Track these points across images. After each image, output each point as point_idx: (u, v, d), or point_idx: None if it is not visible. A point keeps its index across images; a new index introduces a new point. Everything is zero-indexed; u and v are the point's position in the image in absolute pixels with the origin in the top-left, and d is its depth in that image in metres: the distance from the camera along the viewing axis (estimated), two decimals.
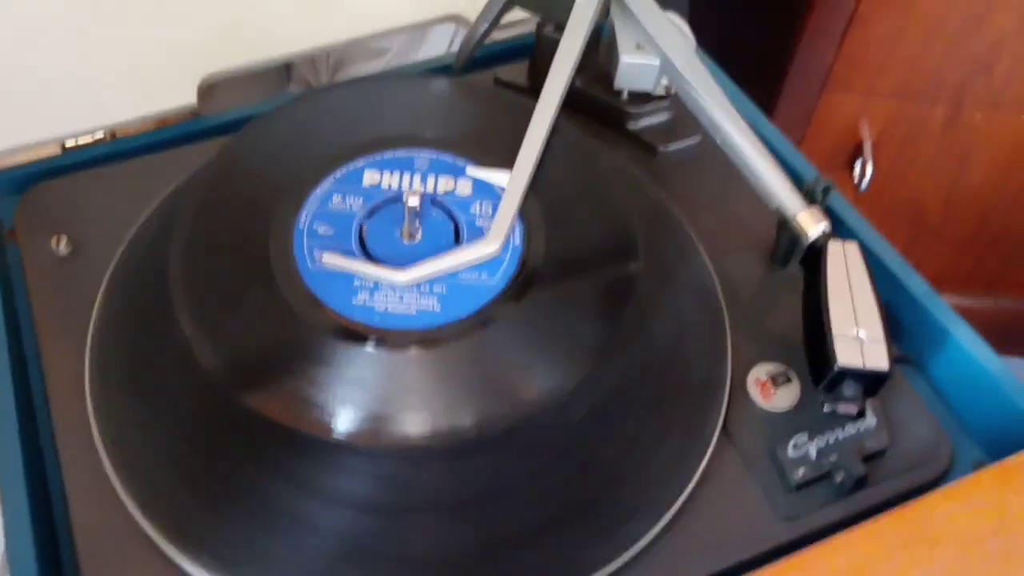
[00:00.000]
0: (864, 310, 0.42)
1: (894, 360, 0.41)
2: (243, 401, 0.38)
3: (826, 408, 0.43)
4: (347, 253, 0.42)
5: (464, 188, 0.45)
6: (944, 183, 0.93)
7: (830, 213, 0.51)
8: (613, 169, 0.47)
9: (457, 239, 0.43)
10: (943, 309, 0.48)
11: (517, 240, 0.43)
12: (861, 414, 0.43)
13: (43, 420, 0.44)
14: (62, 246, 0.49)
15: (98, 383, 0.44)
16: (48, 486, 0.43)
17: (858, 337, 0.42)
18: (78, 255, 0.49)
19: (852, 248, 0.44)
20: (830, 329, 0.42)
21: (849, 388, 0.42)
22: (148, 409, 0.43)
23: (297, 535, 0.39)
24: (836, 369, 0.41)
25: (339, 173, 0.45)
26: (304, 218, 0.43)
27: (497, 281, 0.41)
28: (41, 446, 0.44)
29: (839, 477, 0.42)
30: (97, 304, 0.46)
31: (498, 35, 0.62)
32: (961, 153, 0.90)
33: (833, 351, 0.41)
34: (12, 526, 0.39)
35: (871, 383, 0.42)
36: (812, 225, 0.45)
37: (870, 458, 0.43)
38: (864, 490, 0.42)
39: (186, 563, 0.39)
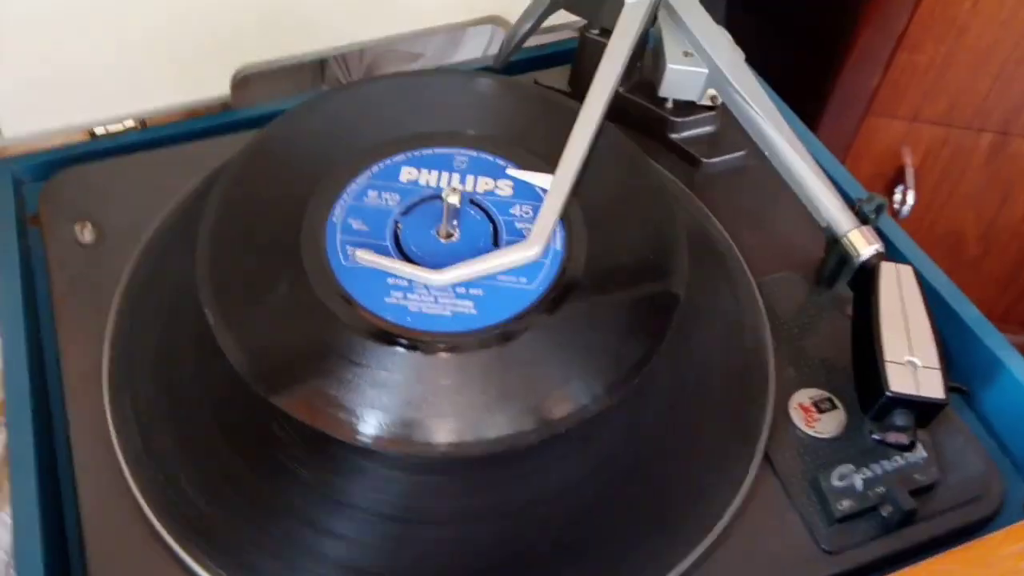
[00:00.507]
0: (918, 336, 0.40)
1: (949, 389, 0.39)
2: (268, 399, 0.36)
3: (875, 437, 0.41)
4: (381, 250, 0.40)
5: (504, 189, 0.43)
6: (985, 215, 0.91)
7: (879, 234, 0.49)
8: (658, 177, 0.45)
9: (495, 241, 0.41)
10: (996, 338, 0.46)
11: (558, 245, 0.41)
12: (912, 445, 0.41)
13: (57, 409, 0.43)
14: (86, 233, 0.48)
15: (115, 375, 0.42)
16: (59, 480, 0.42)
17: (911, 363, 0.39)
18: (101, 243, 0.48)
19: (906, 271, 0.42)
20: (882, 354, 0.40)
21: (900, 417, 0.40)
22: (167, 404, 0.41)
23: (319, 542, 0.37)
24: (887, 396, 0.39)
25: (376, 168, 0.43)
26: (338, 212, 0.41)
27: (536, 286, 0.39)
28: (54, 438, 0.43)
29: (886, 511, 0.40)
30: (118, 293, 0.45)
31: (537, 40, 0.61)
32: (1004, 185, 0.88)
33: (885, 377, 0.39)
34: (20, 522, 0.38)
35: (924, 412, 0.40)
36: (864, 245, 0.43)
37: (918, 492, 0.41)
38: (911, 526, 0.40)
39: (200, 569, 0.37)
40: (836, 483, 0.40)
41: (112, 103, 0.54)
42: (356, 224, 0.41)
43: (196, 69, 0.55)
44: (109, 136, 0.54)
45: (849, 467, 0.41)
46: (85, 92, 0.53)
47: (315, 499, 0.39)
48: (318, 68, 0.75)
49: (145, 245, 0.47)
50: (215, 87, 0.56)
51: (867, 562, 0.39)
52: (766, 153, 0.47)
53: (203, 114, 0.57)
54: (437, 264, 0.39)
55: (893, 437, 0.40)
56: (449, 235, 0.41)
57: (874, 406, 0.40)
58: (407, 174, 0.43)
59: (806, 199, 0.46)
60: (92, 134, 0.55)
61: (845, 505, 0.40)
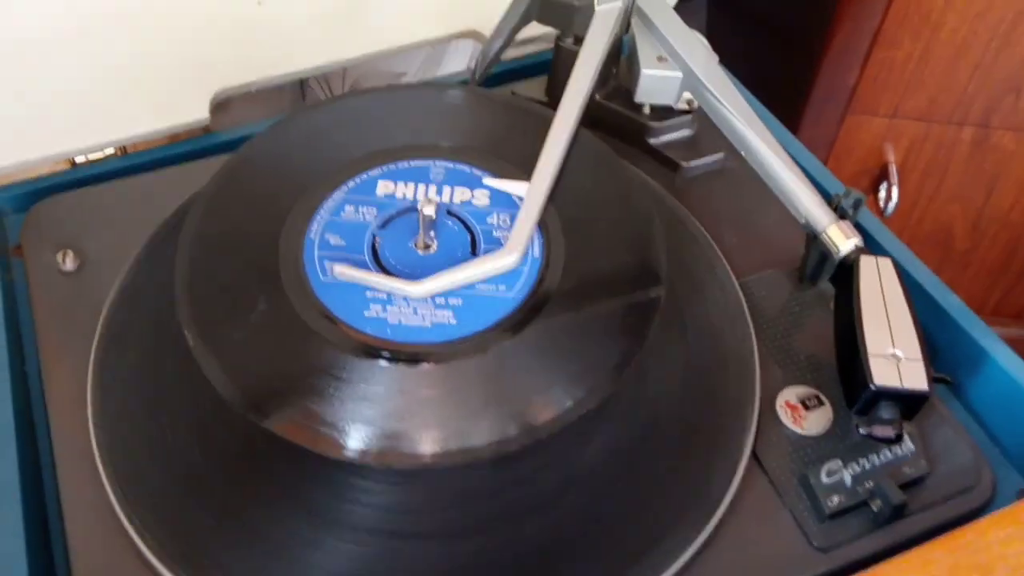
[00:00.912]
0: (900, 328, 0.40)
1: (933, 380, 0.39)
2: (250, 418, 0.36)
3: (861, 431, 0.41)
4: (360, 264, 0.40)
5: (481, 199, 0.43)
6: (972, 209, 0.91)
7: (860, 230, 0.50)
8: (636, 181, 0.45)
9: (474, 250, 0.41)
10: (981, 329, 0.46)
11: (536, 252, 0.41)
12: (899, 438, 0.40)
13: (43, 437, 0.43)
14: (68, 261, 0.48)
15: (100, 400, 0.42)
16: (46, 506, 0.42)
17: (894, 356, 0.39)
18: (83, 271, 0.48)
19: (886, 264, 0.42)
20: (864, 348, 0.40)
21: (886, 410, 0.40)
22: (151, 427, 0.41)
23: (304, 558, 0.37)
24: (871, 390, 0.39)
25: (351, 183, 0.43)
26: (315, 229, 0.41)
27: (515, 294, 0.39)
28: (40, 465, 0.43)
29: (876, 505, 0.40)
30: (101, 321, 0.45)
31: (515, 52, 0.61)
32: (989, 178, 0.88)
33: (868, 371, 0.39)
34: (6, 553, 0.38)
35: (909, 405, 0.40)
36: (843, 240, 0.43)
37: (908, 485, 0.40)
38: (902, 519, 0.40)
39: None
40: (825, 480, 0.40)
41: (92, 131, 0.54)
42: (334, 240, 0.41)
43: (174, 94, 0.55)
44: (89, 164, 0.55)
45: (837, 463, 0.41)
46: (64, 122, 0.53)
47: (305, 519, 0.38)
48: (299, 89, 0.75)
49: (127, 271, 0.47)
50: (194, 111, 0.56)
51: (859, 558, 0.39)
52: (743, 153, 0.47)
53: (184, 138, 0.57)
54: (416, 276, 0.39)
55: (879, 431, 0.40)
56: (427, 247, 0.41)
57: (859, 400, 0.40)
58: (383, 188, 0.43)
59: (784, 197, 0.46)
60: (73, 163, 0.55)
61: (835, 501, 0.40)
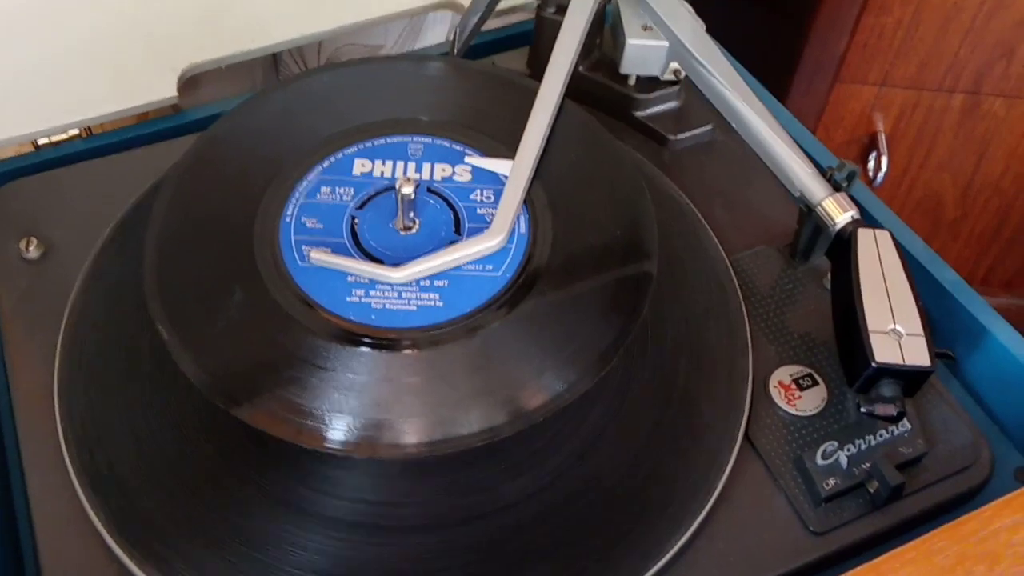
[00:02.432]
0: (901, 303, 0.39)
1: (935, 356, 0.38)
2: (227, 409, 0.35)
3: (863, 410, 0.39)
4: (339, 248, 0.38)
5: (463, 175, 0.41)
6: (962, 177, 0.90)
7: (853, 201, 0.48)
8: (623, 155, 0.44)
9: (457, 229, 0.40)
10: (978, 303, 0.45)
11: (523, 229, 0.39)
12: (902, 415, 0.39)
13: (8, 430, 0.41)
14: (31, 249, 0.46)
15: (67, 391, 0.40)
16: (13, 500, 0.40)
17: (895, 332, 0.38)
18: (48, 258, 0.46)
19: (884, 236, 0.41)
20: (865, 324, 0.38)
21: (888, 388, 0.38)
22: (122, 421, 0.40)
23: (281, 554, 0.36)
24: (873, 367, 0.38)
25: (327, 163, 0.42)
26: (291, 211, 0.40)
27: (503, 273, 0.38)
28: (6, 458, 0.41)
29: (873, 487, 0.39)
30: (67, 310, 0.43)
31: (495, 23, 0.59)
32: (979, 145, 0.87)
33: (870, 348, 0.38)
34: None
35: (911, 381, 0.39)
36: (839, 213, 0.42)
37: (905, 466, 0.39)
38: (900, 500, 0.39)
39: None
40: (821, 462, 0.39)
41: (55, 112, 0.52)
42: (310, 223, 0.39)
43: (140, 72, 0.53)
44: (53, 146, 0.52)
45: (833, 444, 0.39)
46: (25, 103, 0.51)
47: (282, 513, 0.37)
48: (271, 65, 0.73)
49: (94, 257, 0.45)
50: (161, 89, 0.53)
51: (857, 540, 0.38)
52: (733, 125, 0.46)
53: (152, 118, 0.55)
54: (399, 258, 0.38)
55: (881, 409, 0.39)
56: (408, 228, 0.39)
57: (860, 379, 0.39)
58: (360, 166, 0.42)
59: (777, 169, 0.44)
60: (35, 145, 0.52)
61: (831, 484, 0.39)
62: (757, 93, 0.50)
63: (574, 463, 0.39)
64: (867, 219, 0.49)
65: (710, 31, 0.51)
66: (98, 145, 0.52)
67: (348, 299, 0.37)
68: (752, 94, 0.45)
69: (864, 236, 0.41)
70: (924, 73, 0.81)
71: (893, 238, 0.41)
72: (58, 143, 0.52)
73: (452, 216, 0.40)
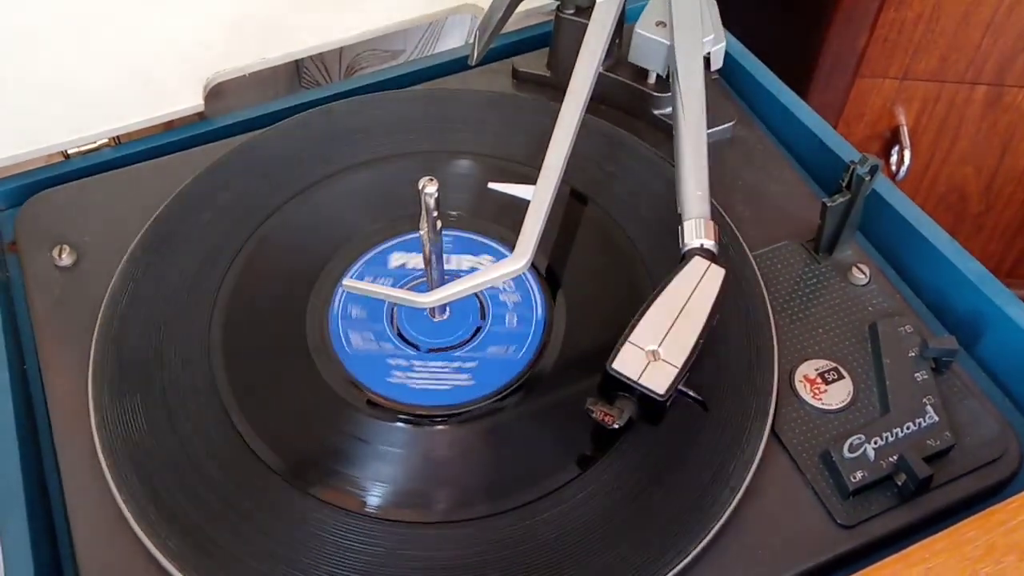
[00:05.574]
0: (679, 335, 0.38)
1: (675, 391, 0.37)
2: (274, 469, 0.39)
3: (587, 406, 0.38)
4: (380, 335, 0.44)
5: (487, 264, 0.46)
6: (986, 170, 0.89)
7: (875, 196, 0.48)
8: (631, 247, 0.47)
9: (483, 315, 0.45)
10: (1002, 293, 0.45)
11: (539, 313, 0.45)
12: (616, 427, 0.37)
13: (45, 436, 0.42)
14: (64, 256, 0.47)
15: (101, 397, 0.41)
16: (51, 505, 0.41)
17: (654, 353, 0.38)
18: (80, 265, 0.47)
19: (716, 274, 0.40)
20: (629, 333, 0.38)
21: (628, 405, 0.37)
22: (154, 425, 0.40)
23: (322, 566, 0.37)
24: (607, 371, 0.37)
25: (367, 256, 0.47)
26: (337, 303, 0.45)
27: (523, 355, 0.43)
28: (43, 464, 0.42)
29: (901, 479, 0.39)
30: (100, 315, 0.44)
31: (515, 25, 0.60)
32: (1003, 138, 0.86)
33: (615, 353, 0.38)
34: (11, 552, 0.37)
35: (648, 407, 0.38)
36: (693, 237, 0.42)
37: (932, 458, 0.39)
38: (927, 493, 0.39)
39: None
40: (848, 455, 0.39)
41: (84, 123, 0.53)
42: (356, 312, 0.45)
43: (167, 82, 0.54)
44: (83, 155, 0.53)
45: (860, 437, 0.39)
46: (56, 113, 0.52)
47: (312, 542, 0.38)
48: (294, 71, 0.74)
49: (125, 264, 0.46)
50: (188, 98, 0.54)
51: (885, 534, 0.38)
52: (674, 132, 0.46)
53: (178, 126, 0.56)
54: (433, 344, 0.44)
55: (600, 411, 0.38)
56: (440, 314, 0.45)
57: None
58: (396, 260, 0.47)
59: (677, 180, 0.44)
60: (66, 155, 0.53)
61: (858, 477, 0.39)
62: (779, 91, 0.51)
63: (599, 471, 0.39)
64: (890, 213, 0.49)
65: (729, 26, 0.51)
66: (127, 154, 0.53)
67: (389, 380, 0.42)
68: (701, 110, 0.46)
69: (697, 263, 0.40)
70: (946, 66, 0.81)
71: (725, 281, 0.40)
72: (87, 152, 0.53)
73: (478, 304, 0.45)
